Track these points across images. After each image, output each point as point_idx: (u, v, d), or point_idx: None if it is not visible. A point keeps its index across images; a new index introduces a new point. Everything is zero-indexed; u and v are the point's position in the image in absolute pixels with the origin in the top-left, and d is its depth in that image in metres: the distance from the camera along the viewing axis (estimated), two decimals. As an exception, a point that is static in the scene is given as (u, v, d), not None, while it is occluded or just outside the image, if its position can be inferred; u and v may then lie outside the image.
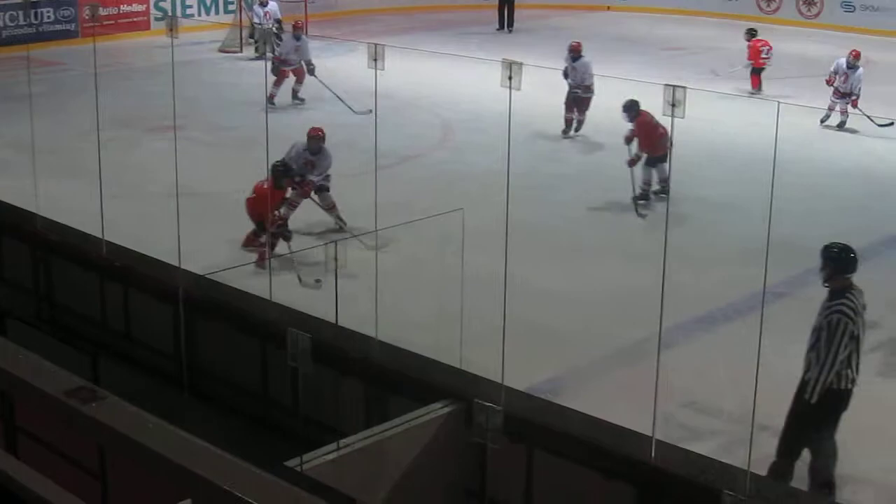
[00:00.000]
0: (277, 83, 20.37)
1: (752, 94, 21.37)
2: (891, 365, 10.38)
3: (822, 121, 19.14)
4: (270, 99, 19.49)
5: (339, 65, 22.73)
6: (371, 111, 13.17)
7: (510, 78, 6.97)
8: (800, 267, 12.12)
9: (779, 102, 6.72)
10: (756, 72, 21.88)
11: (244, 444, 4.56)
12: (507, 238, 7.44)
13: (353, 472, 6.92)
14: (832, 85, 19.14)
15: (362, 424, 7.51)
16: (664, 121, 6.41)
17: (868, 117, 18.91)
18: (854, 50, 19.37)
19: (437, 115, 15.00)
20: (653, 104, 6.61)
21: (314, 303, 8.96)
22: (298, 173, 12.84)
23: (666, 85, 6.40)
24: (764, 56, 21.84)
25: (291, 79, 20.71)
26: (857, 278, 8.10)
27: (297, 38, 20.81)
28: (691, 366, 10.00)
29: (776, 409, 8.71)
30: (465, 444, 7.21)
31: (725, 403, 9.06)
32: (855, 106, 19.00)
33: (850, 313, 7.87)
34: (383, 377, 7.93)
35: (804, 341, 10.75)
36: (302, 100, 20.68)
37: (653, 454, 6.80)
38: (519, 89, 6.93)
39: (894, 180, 16.16)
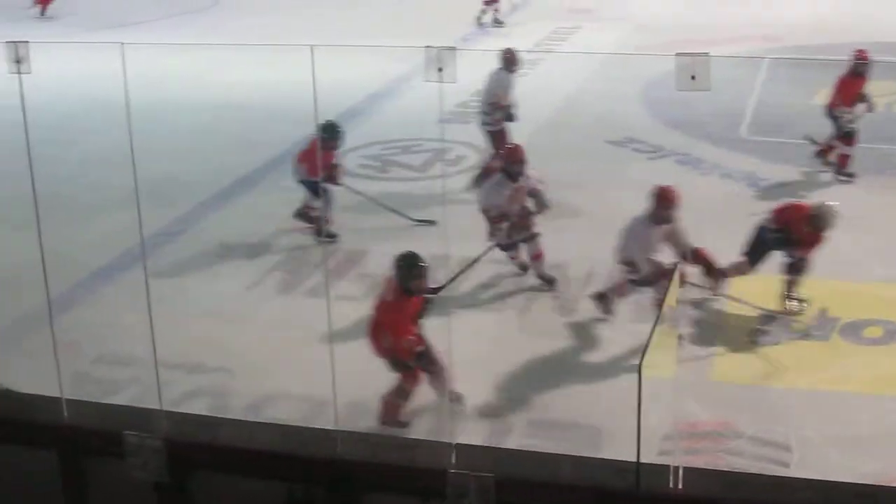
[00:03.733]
0: None
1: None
2: (288, 283, 10.79)
3: (480, 23, 22.47)
4: None
5: None
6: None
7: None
8: (188, 204, 12.34)
9: (123, 44, 6.69)
10: None
11: None
12: None
13: None
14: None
15: None
16: (13, 78, 6.27)
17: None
18: None
19: None
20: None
21: None
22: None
23: (7, 42, 6.25)
24: None
25: None
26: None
27: None
28: (100, 320, 9.94)
29: (203, 346, 8.95)
30: None
31: (137, 349, 9.03)
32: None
33: None
34: None
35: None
36: None
37: (65, 414, 6.77)
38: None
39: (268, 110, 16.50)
